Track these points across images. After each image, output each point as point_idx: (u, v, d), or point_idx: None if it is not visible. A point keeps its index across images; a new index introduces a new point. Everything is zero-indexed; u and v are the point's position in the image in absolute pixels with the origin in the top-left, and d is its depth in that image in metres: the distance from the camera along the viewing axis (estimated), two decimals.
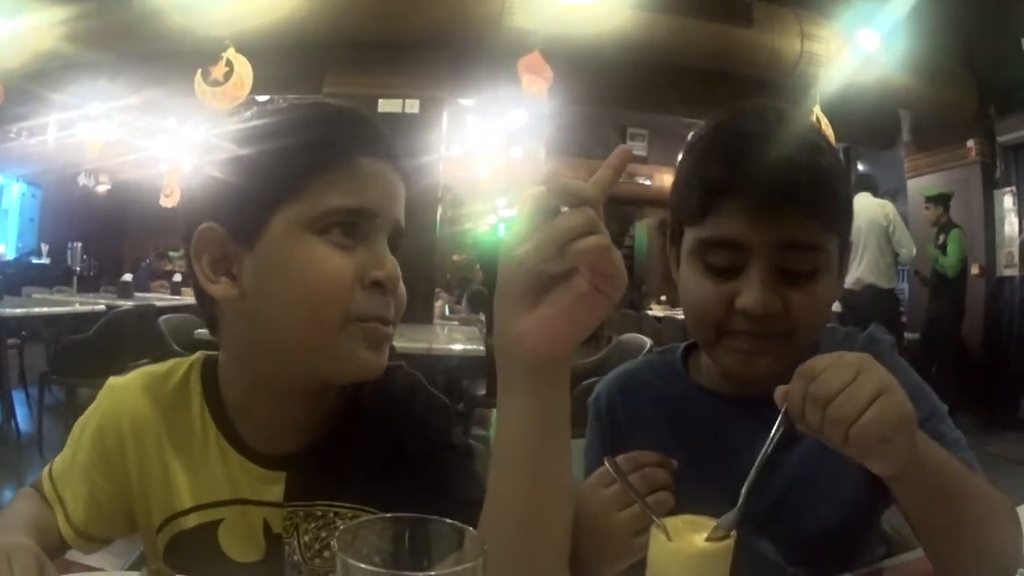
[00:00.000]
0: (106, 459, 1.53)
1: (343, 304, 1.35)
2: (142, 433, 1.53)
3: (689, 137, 1.73)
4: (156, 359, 6.44)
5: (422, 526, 0.92)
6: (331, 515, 1.48)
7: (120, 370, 6.17)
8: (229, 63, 8.92)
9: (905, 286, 13.28)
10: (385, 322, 1.41)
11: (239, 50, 8.96)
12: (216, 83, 8.93)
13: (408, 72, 9.68)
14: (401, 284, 1.43)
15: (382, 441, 1.51)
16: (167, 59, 9.92)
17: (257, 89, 9.36)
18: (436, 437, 1.56)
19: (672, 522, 1.23)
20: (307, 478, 1.48)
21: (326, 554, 1.47)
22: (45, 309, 9.37)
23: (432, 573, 0.87)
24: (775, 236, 1.52)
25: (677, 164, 1.76)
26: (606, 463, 1.41)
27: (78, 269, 18.36)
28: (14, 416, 8.43)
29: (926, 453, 1.29)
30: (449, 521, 0.91)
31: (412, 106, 9.67)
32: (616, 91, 10.83)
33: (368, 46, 9.47)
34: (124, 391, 1.59)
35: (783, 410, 1.22)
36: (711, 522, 1.22)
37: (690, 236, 1.64)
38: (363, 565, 0.80)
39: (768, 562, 1.60)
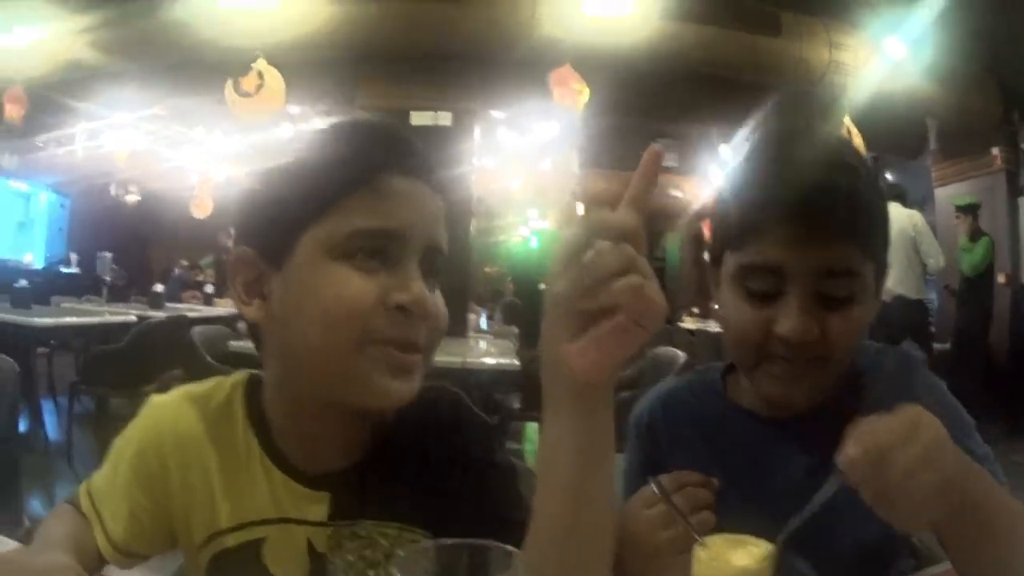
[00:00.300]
0: (148, 476, 1.53)
1: (359, 326, 1.34)
2: (185, 451, 1.53)
3: (728, 160, 1.78)
4: (188, 370, 6.52)
5: (477, 552, 0.93)
6: (375, 535, 1.48)
7: (151, 381, 6.23)
8: (260, 75, 8.88)
9: (933, 296, 13.25)
10: (406, 347, 1.38)
11: (270, 61, 8.94)
12: (247, 94, 8.90)
13: (440, 84, 9.69)
14: (442, 306, 1.43)
15: (426, 461, 1.51)
16: (195, 69, 9.96)
17: (289, 101, 9.37)
18: (480, 457, 1.56)
19: (714, 540, 1.26)
20: (351, 498, 1.48)
21: (370, 573, 1.46)
22: (76, 319, 9.42)
23: None
24: (813, 263, 1.54)
25: (719, 189, 1.78)
26: (651, 484, 1.44)
27: (108, 279, 18.41)
28: (43, 425, 8.50)
29: (964, 491, 1.30)
30: (502, 546, 0.92)
31: (444, 118, 9.69)
32: (646, 101, 10.84)
33: (399, 58, 9.48)
34: (166, 409, 1.59)
35: (836, 469, 1.21)
36: (751, 540, 1.24)
37: (730, 261, 1.66)
38: None
39: (799, 570, 1.62)
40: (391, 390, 1.38)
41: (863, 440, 1.19)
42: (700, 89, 10.51)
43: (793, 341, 1.56)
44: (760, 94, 10.12)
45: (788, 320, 1.55)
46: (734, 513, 1.36)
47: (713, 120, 11.67)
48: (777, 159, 1.62)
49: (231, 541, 1.49)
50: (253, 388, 1.57)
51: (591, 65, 8.93)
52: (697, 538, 1.26)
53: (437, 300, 1.43)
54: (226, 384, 1.61)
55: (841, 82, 10.08)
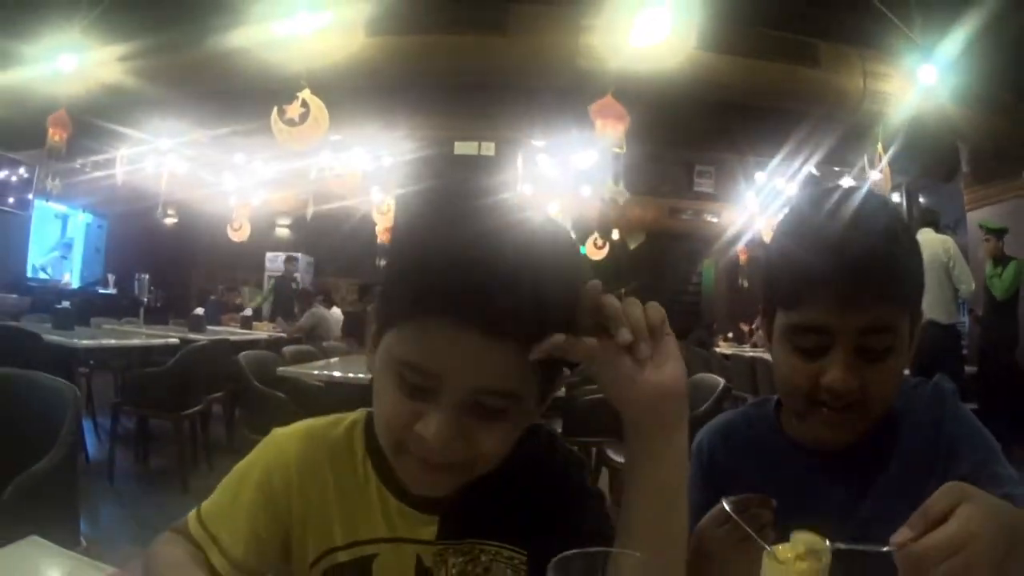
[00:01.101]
0: (271, 499, 1.66)
1: (394, 437, 1.48)
2: (308, 476, 1.67)
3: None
4: (234, 393, 6.67)
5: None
6: (477, 551, 1.64)
7: (195, 403, 6.32)
8: (305, 104, 9.01)
9: (965, 319, 13.25)
10: (427, 464, 1.47)
11: (314, 91, 9.06)
12: (292, 122, 9.02)
13: (484, 114, 9.78)
14: (491, 447, 1.47)
15: (526, 490, 1.65)
16: (236, 97, 10.10)
17: (333, 129, 9.48)
18: (575, 487, 1.72)
19: (779, 548, 1.40)
20: (458, 520, 1.63)
21: None
22: (118, 341, 9.58)
23: None
24: (856, 323, 1.73)
25: (767, 248, 2.01)
26: (724, 505, 1.58)
27: (145, 300, 18.57)
28: (84, 444, 8.60)
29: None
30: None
31: (488, 148, 9.78)
32: (684, 130, 10.95)
33: (444, 88, 9.57)
34: (290, 440, 1.73)
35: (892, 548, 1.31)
36: (812, 544, 1.38)
37: (780, 319, 1.87)
38: None
39: None
40: (422, 487, 1.56)
41: (918, 543, 1.28)
42: (737, 117, 10.59)
43: (838, 391, 1.75)
44: (796, 122, 10.20)
45: (833, 373, 1.75)
46: (784, 533, 1.50)
47: (749, 147, 11.78)
48: (823, 230, 1.79)
49: (344, 557, 1.64)
50: (372, 423, 1.68)
51: (631, 96, 9.03)
52: (766, 547, 1.39)
53: (480, 439, 1.45)
54: (345, 420, 1.77)
55: (877, 110, 10.14)
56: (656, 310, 1.40)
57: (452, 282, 1.35)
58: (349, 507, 1.66)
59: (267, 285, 22.01)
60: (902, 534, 1.30)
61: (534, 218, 1.44)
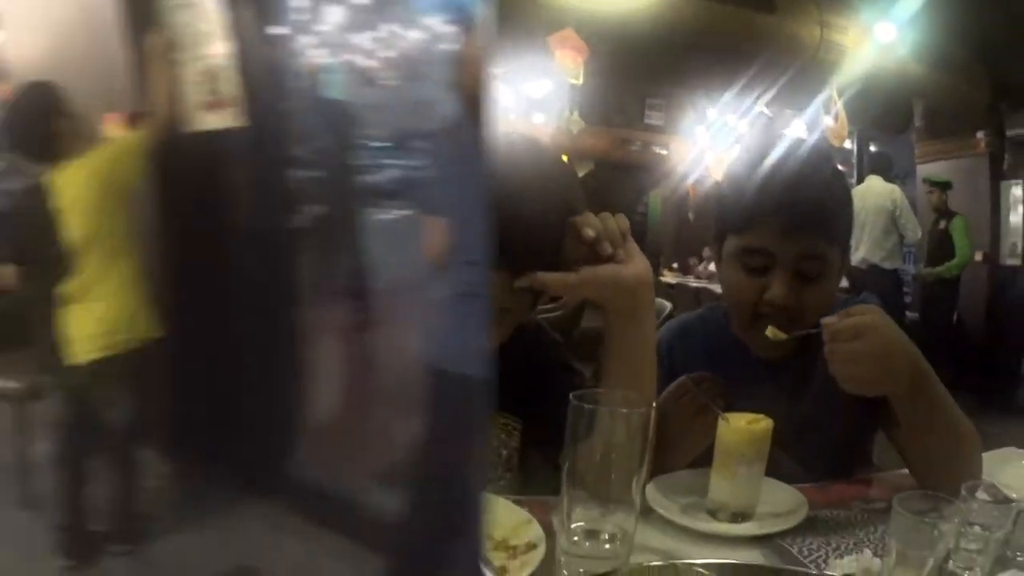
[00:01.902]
0: None
1: None
2: None
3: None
4: None
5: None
6: None
7: None
8: None
9: (910, 267, 13.40)
10: None
11: None
12: None
13: None
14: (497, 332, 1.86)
15: (520, 369, 1.97)
16: None
17: None
18: (560, 366, 2.12)
19: (732, 416, 1.81)
20: None
21: None
22: None
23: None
24: (795, 250, 2.13)
25: (723, 180, 2.51)
26: (687, 379, 2.02)
27: None
28: None
29: (914, 383, 1.86)
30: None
31: None
32: (637, 66, 11.02)
33: None
34: None
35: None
36: (756, 416, 1.81)
37: (731, 242, 2.26)
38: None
39: (786, 464, 2.08)
40: None
41: (836, 323, 1.78)
42: (691, 56, 10.68)
43: (778, 304, 2.13)
44: (750, 63, 10.35)
45: (776, 290, 2.14)
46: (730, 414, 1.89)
47: (701, 83, 11.95)
48: (771, 172, 2.19)
49: None
50: None
51: (589, 29, 9.21)
52: (720, 413, 1.77)
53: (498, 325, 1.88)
54: None
55: (832, 60, 10.27)
56: (622, 219, 1.78)
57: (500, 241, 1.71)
58: None
59: None
60: (829, 319, 1.78)
61: (535, 162, 1.80)
